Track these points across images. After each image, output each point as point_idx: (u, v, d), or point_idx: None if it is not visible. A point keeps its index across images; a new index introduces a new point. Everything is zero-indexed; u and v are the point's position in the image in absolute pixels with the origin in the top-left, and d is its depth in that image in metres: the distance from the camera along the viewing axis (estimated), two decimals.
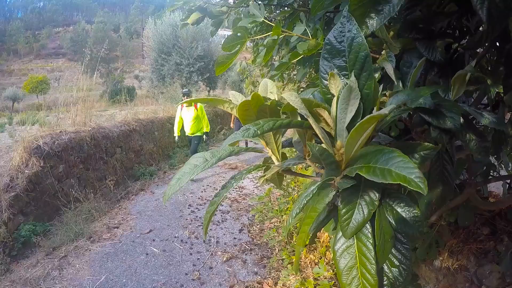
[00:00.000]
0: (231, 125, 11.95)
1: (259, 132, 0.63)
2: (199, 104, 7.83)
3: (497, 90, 1.37)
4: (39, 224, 4.89)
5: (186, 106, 7.82)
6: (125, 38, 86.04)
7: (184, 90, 8.76)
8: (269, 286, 3.68)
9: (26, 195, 4.79)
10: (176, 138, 8.49)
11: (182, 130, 8.21)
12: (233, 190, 6.96)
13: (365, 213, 0.69)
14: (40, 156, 5.21)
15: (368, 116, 0.59)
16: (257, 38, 2.39)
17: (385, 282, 0.75)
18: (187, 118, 7.95)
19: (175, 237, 5.00)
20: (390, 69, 1.01)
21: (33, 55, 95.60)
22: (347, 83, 0.69)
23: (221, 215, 5.85)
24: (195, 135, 8.17)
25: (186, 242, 4.82)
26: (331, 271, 3.47)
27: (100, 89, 32.81)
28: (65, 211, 5.42)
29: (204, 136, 8.39)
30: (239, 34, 1.45)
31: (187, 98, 7.80)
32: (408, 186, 0.51)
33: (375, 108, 0.75)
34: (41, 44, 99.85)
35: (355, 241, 0.71)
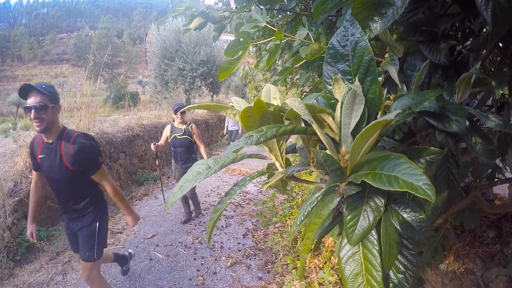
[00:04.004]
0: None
1: (262, 139, 0.62)
2: None
3: (501, 92, 1.36)
4: (43, 229, 4.90)
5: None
6: (128, 43, 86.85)
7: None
8: None
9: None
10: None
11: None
12: (237, 195, 6.92)
13: (370, 219, 0.68)
14: None
15: (374, 121, 0.58)
16: (259, 43, 2.39)
17: None
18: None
19: (179, 242, 4.99)
20: (393, 72, 1.00)
21: (37, 61, 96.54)
22: (351, 88, 0.68)
23: (225, 220, 5.83)
24: None
25: (190, 247, 4.81)
26: (336, 276, 3.45)
27: (103, 95, 32.95)
28: None
29: None
30: (241, 39, 1.44)
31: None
32: (416, 194, 0.50)
33: (379, 113, 0.74)
34: (45, 50, 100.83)
35: (361, 248, 0.70)
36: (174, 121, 5.61)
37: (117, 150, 7.35)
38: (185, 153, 5.52)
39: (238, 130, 11.25)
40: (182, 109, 5.37)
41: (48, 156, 2.67)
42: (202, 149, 5.55)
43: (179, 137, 5.46)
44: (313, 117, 0.69)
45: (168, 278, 4.00)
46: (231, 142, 12.18)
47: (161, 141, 5.59)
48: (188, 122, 5.61)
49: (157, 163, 6.10)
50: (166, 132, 5.66)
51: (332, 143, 0.70)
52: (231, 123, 11.36)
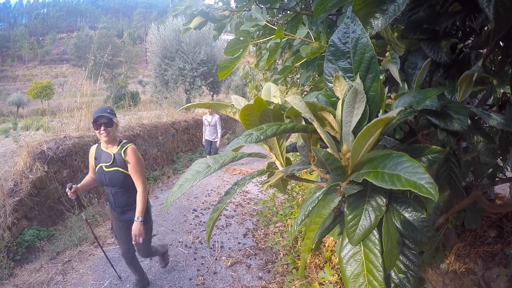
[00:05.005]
0: None
1: (262, 137, 0.61)
2: None
3: (503, 90, 1.35)
4: (43, 229, 4.90)
5: None
6: (128, 43, 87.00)
7: None
8: None
9: (30, 200, 4.79)
10: None
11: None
12: (237, 195, 6.92)
13: (372, 219, 0.67)
14: (44, 161, 5.22)
15: (376, 119, 0.57)
16: (260, 42, 2.38)
17: None
18: None
19: (179, 242, 4.98)
20: (395, 70, 1.00)
21: (37, 61, 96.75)
22: (352, 86, 0.68)
23: (226, 220, 5.82)
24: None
25: (190, 247, 4.80)
26: (337, 275, 3.44)
27: (104, 94, 33.04)
28: (69, 216, 5.42)
29: None
30: (241, 38, 1.44)
31: None
32: (419, 192, 0.49)
33: (381, 111, 0.73)
34: (45, 50, 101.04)
35: (362, 247, 0.69)
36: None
37: None
38: (121, 195, 3.19)
39: (217, 141, 9.15)
40: (105, 118, 3.04)
41: None
42: (139, 192, 3.13)
43: (106, 169, 3.10)
44: (314, 115, 0.68)
45: (168, 278, 3.99)
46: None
47: (88, 174, 3.38)
48: (122, 142, 3.23)
49: (85, 217, 3.52)
50: (91, 158, 3.28)
51: (333, 141, 0.69)
52: (208, 132, 9.15)
